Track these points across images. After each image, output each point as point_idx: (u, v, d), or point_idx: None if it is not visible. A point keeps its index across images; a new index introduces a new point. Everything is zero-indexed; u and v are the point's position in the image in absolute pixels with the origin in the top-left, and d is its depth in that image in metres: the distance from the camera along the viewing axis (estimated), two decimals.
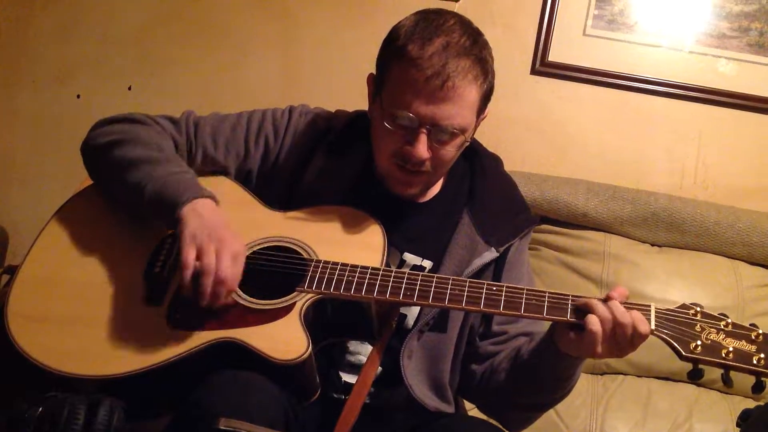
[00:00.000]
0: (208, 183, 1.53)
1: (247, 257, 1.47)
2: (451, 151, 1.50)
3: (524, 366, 1.52)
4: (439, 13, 1.49)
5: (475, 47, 1.45)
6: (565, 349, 1.41)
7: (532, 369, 1.50)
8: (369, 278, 1.43)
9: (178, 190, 1.44)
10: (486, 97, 1.51)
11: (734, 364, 1.29)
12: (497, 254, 1.58)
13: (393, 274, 1.44)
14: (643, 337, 1.34)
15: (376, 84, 1.53)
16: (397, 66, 1.45)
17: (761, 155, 2.55)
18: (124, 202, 1.53)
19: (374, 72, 1.55)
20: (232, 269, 1.37)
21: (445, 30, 1.44)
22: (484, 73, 1.46)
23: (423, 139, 1.45)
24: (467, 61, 1.43)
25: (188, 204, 1.42)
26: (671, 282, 2.33)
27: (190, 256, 1.36)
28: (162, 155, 1.51)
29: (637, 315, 1.34)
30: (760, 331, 1.31)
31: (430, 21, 1.46)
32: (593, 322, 1.33)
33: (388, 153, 1.51)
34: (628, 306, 1.35)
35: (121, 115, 1.61)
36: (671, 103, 2.55)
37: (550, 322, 1.45)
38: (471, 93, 1.44)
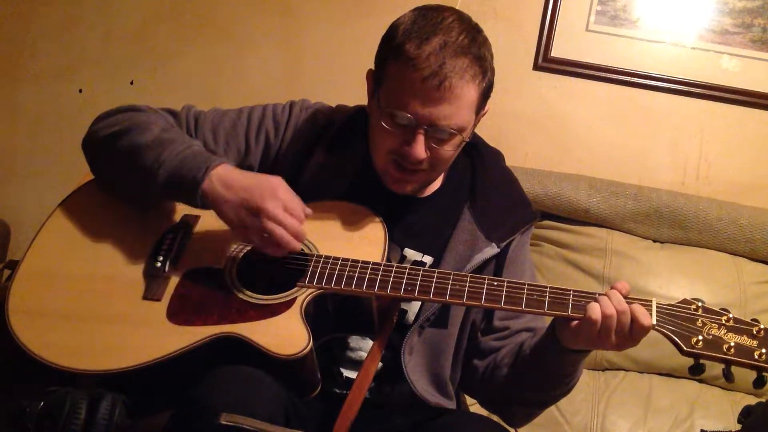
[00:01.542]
0: None
1: (248, 253, 1.48)
2: (449, 150, 1.49)
3: (526, 361, 1.52)
4: (438, 9, 1.48)
5: (473, 45, 1.43)
6: (566, 342, 1.41)
7: (534, 364, 1.50)
8: (370, 273, 1.43)
9: (192, 168, 1.42)
10: (485, 95, 1.49)
11: (735, 359, 1.29)
12: (498, 250, 1.58)
13: (394, 269, 1.44)
14: (643, 331, 1.33)
15: (375, 81, 1.52)
16: (394, 65, 1.44)
17: (764, 151, 2.55)
18: (137, 191, 1.51)
19: (373, 68, 1.54)
20: (291, 204, 1.40)
21: (442, 28, 1.43)
22: (483, 72, 1.45)
23: (420, 139, 1.45)
24: (465, 60, 1.41)
25: (207, 179, 1.41)
26: (673, 278, 2.32)
27: (249, 225, 1.38)
28: (167, 135, 1.49)
29: (638, 307, 1.34)
30: (762, 326, 1.31)
31: (428, 18, 1.44)
32: (593, 309, 1.33)
33: (385, 151, 1.50)
34: (630, 300, 1.35)
35: (121, 106, 1.60)
36: (674, 99, 2.55)
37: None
38: (469, 92, 1.43)
